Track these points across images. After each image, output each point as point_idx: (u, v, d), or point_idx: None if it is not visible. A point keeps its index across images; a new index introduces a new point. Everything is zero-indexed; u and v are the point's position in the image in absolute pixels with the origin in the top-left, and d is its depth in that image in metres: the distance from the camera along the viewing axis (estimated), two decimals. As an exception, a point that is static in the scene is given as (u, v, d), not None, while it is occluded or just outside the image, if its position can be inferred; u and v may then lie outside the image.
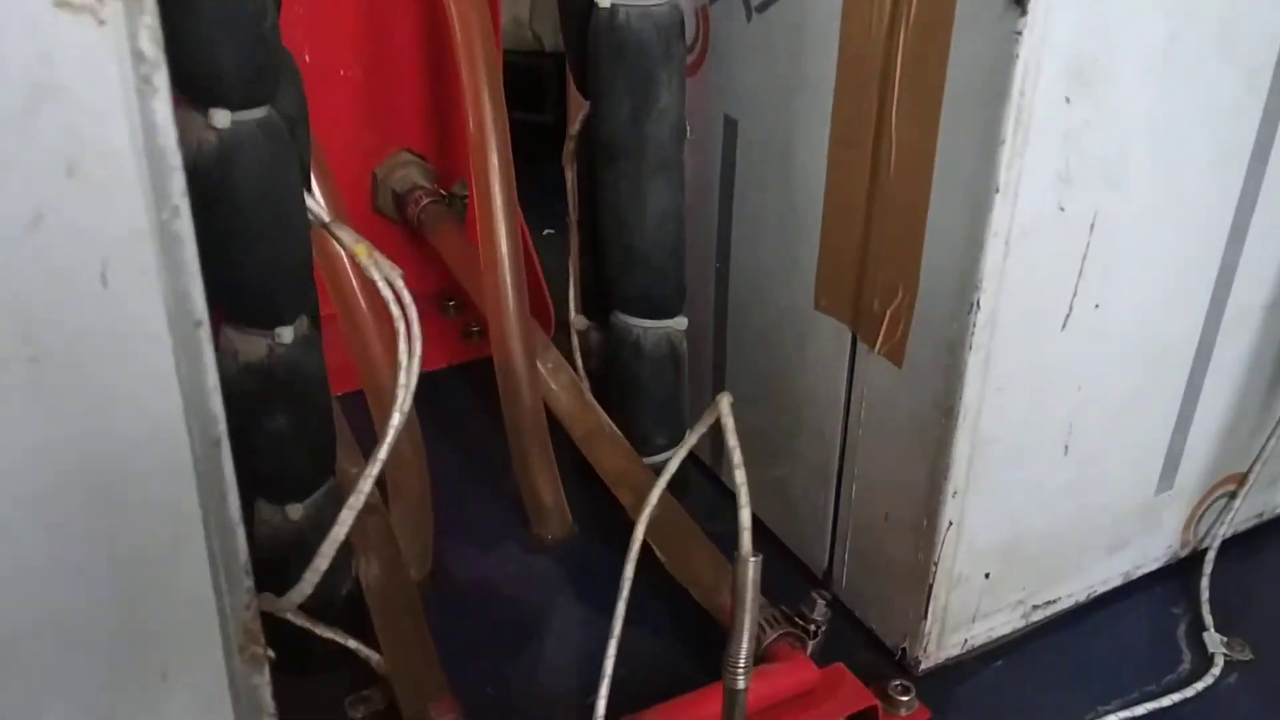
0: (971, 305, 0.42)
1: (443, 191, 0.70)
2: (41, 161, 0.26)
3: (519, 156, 0.56)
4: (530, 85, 0.69)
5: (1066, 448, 0.49)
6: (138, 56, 0.26)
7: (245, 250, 0.40)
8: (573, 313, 0.59)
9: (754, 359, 0.57)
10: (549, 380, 0.59)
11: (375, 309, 0.54)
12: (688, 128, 0.52)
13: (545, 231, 0.78)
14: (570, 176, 0.56)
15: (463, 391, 0.69)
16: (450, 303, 0.75)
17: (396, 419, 0.43)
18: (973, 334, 0.43)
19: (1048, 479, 0.50)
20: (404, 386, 0.43)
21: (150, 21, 0.26)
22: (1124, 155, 0.43)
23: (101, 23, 0.25)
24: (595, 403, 0.58)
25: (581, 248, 0.58)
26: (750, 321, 0.57)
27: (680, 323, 0.56)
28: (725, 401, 0.45)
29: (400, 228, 0.72)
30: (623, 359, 0.56)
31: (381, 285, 0.43)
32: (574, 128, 0.54)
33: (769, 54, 0.50)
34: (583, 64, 0.51)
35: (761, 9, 0.50)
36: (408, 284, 0.43)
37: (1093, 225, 0.44)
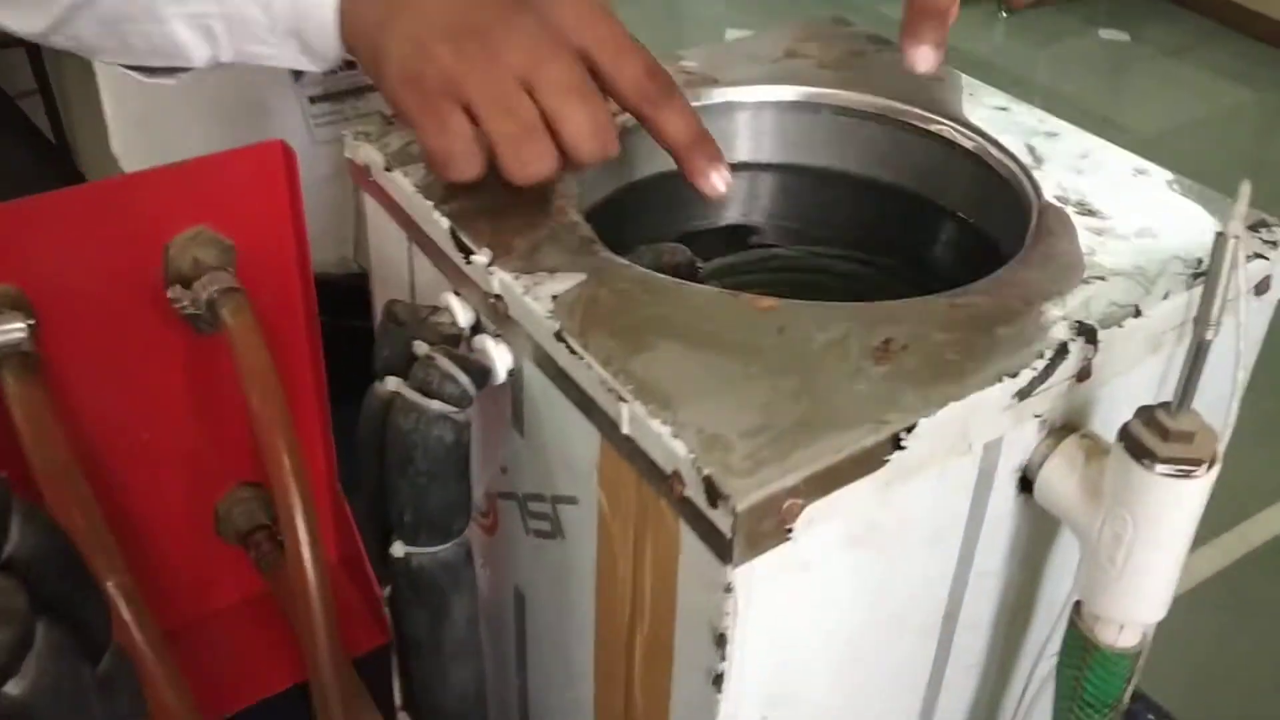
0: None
1: (280, 537, 0.72)
2: None
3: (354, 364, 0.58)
4: (357, 299, 0.70)
5: None
6: None
7: None
8: (398, 701, 0.63)
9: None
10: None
11: None
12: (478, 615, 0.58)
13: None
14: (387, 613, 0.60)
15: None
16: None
17: None
18: None
19: None
20: None
21: None
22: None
23: None
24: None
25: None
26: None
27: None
28: None
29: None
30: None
31: None
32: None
33: (539, 544, 0.56)
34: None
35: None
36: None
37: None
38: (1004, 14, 3.84)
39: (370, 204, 0.61)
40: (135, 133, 0.90)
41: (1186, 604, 2.04)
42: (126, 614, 0.57)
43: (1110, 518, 0.47)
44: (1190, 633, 1.81)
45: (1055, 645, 0.53)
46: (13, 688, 0.39)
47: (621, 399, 0.44)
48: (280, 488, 0.60)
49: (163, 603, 0.70)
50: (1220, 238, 0.42)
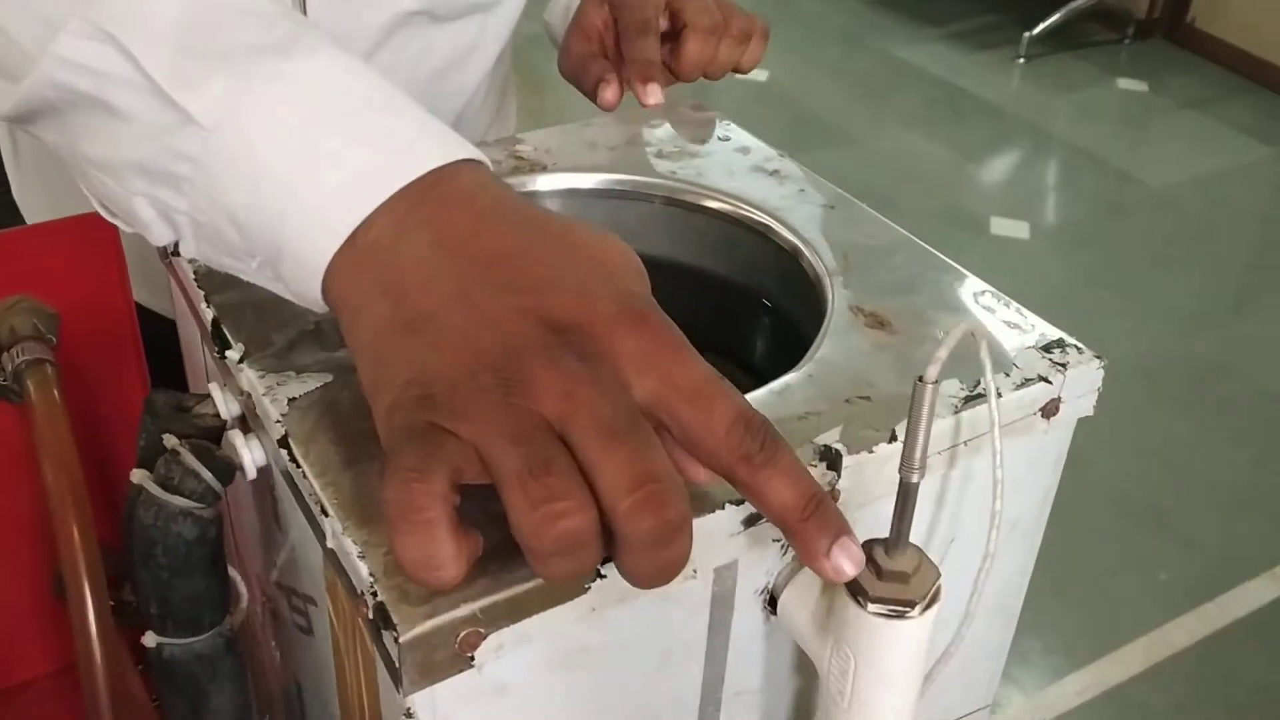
0: None
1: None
2: None
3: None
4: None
5: None
6: None
7: None
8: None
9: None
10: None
11: None
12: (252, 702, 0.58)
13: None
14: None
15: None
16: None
17: None
18: None
19: None
20: None
21: None
22: None
23: None
24: None
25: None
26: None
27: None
28: None
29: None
30: None
31: None
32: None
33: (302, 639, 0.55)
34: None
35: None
36: None
37: None
38: (1021, 59, 3.82)
39: (173, 288, 0.61)
40: (35, 182, 0.91)
41: (1161, 673, 2.01)
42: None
43: (835, 653, 0.46)
44: (1160, 704, 1.78)
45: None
46: None
47: (325, 512, 0.44)
48: (69, 562, 0.60)
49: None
50: (919, 383, 0.41)
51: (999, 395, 0.51)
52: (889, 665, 0.45)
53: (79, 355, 0.65)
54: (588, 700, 0.47)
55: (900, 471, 0.43)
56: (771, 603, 0.50)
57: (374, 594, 0.41)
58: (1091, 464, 2.11)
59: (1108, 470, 2.14)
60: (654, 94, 0.67)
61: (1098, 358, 0.54)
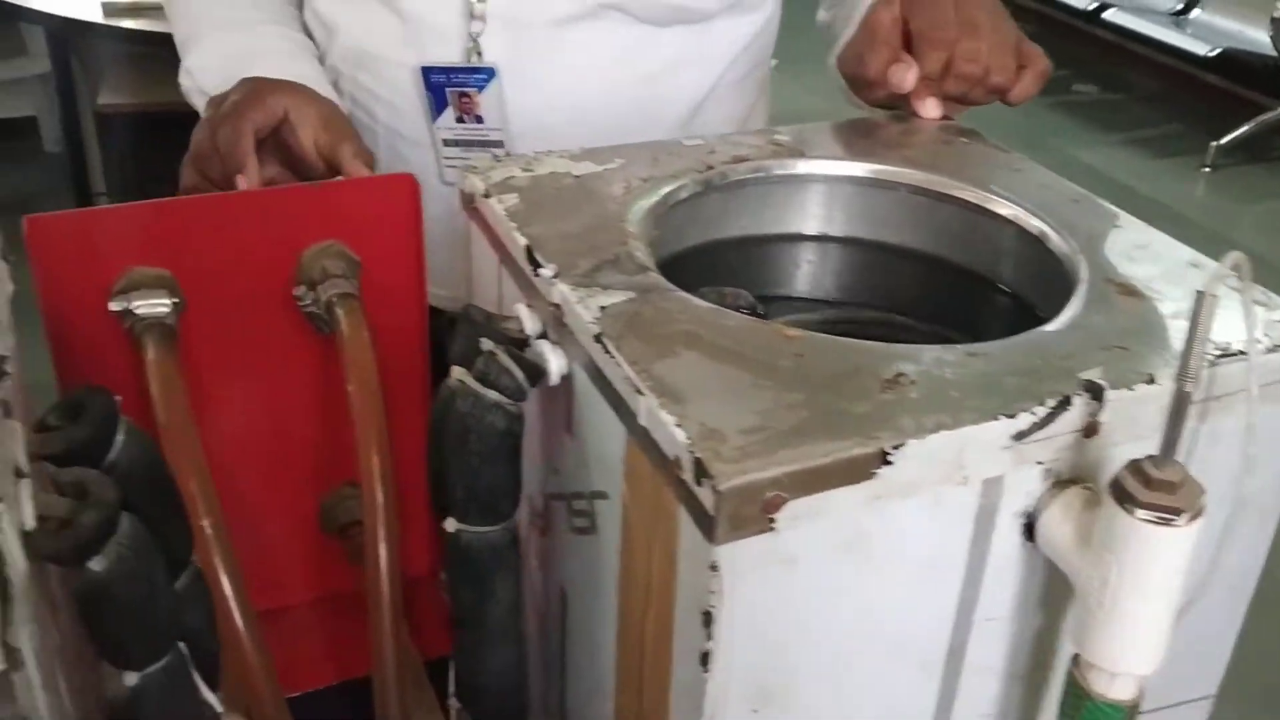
0: None
1: None
2: None
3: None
4: None
5: None
6: None
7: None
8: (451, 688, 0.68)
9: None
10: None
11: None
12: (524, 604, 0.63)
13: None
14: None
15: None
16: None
17: None
18: None
19: None
20: None
21: None
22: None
23: None
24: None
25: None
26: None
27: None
28: None
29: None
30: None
31: None
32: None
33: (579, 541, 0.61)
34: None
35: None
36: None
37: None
38: (1207, 168, 3.78)
39: (473, 229, 0.68)
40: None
41: None
42: (227, 587, 0.63)
43: (1097, 565, 0.49)
44: None
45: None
46: (95, 564, 0.46)
47: (640, 393, 0.49)
48: (366, 477, 0.67)
49: (260, 583, 0.77)
50: (1200, 294, 0.45)
51: (1261, 347, 0.54)
52: (1151, 575, 0.48)
53: (370, 301, 0.72)
54: (859, 596, 0.51)
55: (1176, 381, 0.46)
56: (1028, 530, 0.53)
57: (691, 454, 0.46)
58: None
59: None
60: (934, 108, 0.73)
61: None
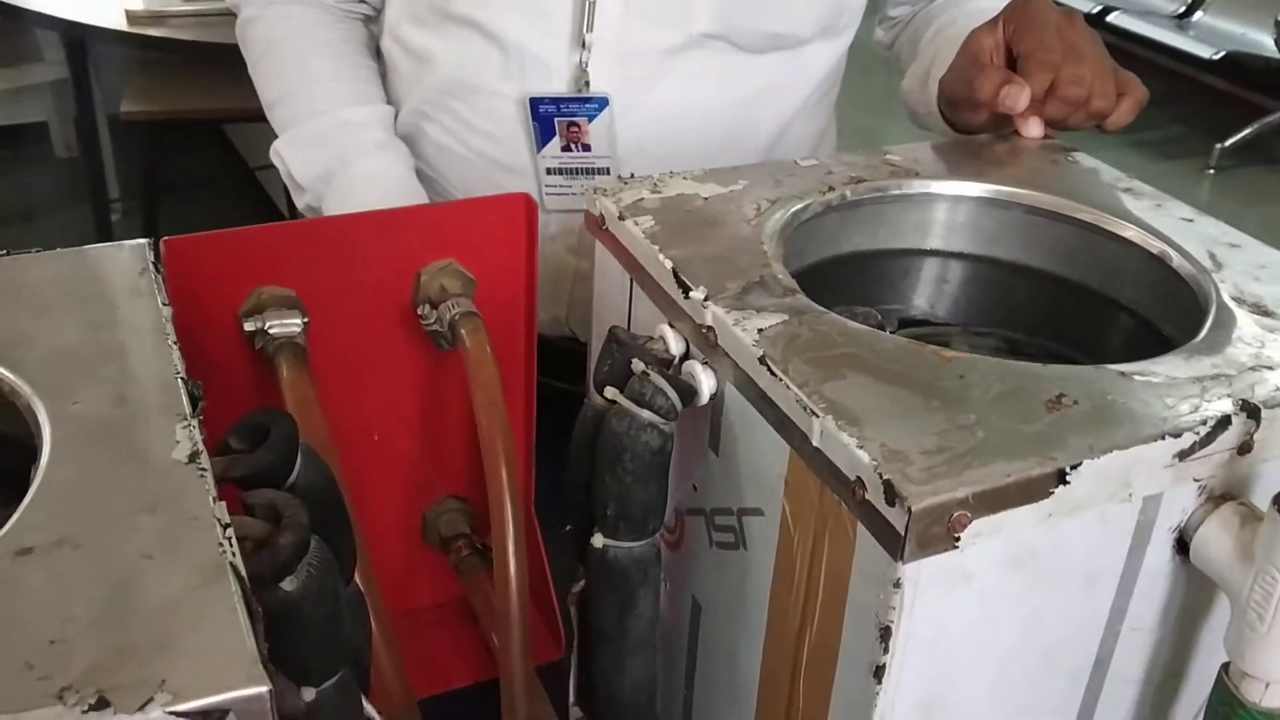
0: None
1: (479, 545, 0.83)
2: None
3: (559, 424, 0.67)
4: (567, 362, 0.83)
5: None
6: None
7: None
8: (572, 698, 0.71)
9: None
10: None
11: None
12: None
13: (566, 529, 0.79)
14: (573, 612, 0.68)
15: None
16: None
17: None
18: None
19: None
20: None
21: None
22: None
23: None
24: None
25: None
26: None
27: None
28: None
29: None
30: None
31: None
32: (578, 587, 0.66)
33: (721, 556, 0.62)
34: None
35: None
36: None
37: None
38: (1211, 170, 3.81)
39: (600, 250, 0.69)
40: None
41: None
42: (368, 599, 0.64)
43: (1261, 576, 0.50)
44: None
45: (1204, 710, 0.56)
46: (288, 584, 0.47)
47: (814, 414, 0.51)
48: (495, 494, 0.68)
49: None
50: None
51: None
52: (1318, 588, 0.49)
53: (484, 318, 0.73)
54: (1025, 608, 0.52)
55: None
56: (1179, 544, 0.54)
57: (879, 474, 0.47)
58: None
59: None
60: (1038, 127, 0.74)
61: None
